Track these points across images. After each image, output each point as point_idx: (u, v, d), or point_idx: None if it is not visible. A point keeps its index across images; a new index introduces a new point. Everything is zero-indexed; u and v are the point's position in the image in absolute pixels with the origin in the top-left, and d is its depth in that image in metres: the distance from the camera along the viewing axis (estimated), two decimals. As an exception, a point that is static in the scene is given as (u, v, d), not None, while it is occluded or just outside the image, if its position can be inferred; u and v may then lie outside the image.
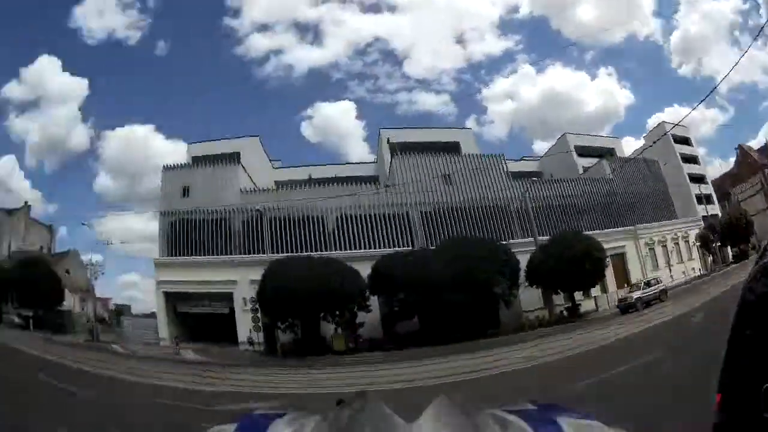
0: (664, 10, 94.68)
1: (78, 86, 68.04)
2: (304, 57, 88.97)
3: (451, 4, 74.60)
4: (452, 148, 37.50)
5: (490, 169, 34.76)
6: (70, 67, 76.59)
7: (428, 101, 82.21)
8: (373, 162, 45.25)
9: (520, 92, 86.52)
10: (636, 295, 24.04)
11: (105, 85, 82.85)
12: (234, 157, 34.41)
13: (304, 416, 0.78)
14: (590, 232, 29.62)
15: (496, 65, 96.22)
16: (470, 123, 69.65)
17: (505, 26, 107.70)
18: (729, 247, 45.40)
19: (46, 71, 57.41)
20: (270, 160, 41.98)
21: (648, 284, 25.54)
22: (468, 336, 20.03)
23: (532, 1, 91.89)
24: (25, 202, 40.93)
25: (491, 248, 24.53)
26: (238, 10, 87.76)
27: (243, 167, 34.27)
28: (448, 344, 18.44)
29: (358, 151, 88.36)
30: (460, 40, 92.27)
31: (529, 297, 26.68)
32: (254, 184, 34.45)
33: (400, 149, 34.14)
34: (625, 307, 23.54)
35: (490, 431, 0.67)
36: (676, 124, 46.89)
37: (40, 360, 15.89)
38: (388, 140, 36.74)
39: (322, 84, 79.63)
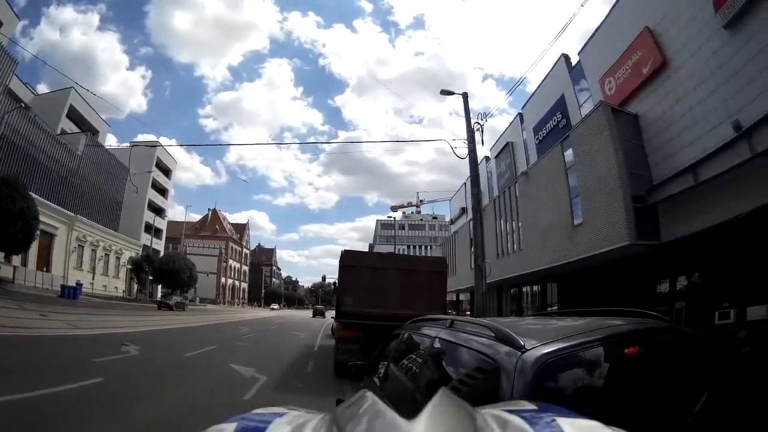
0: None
1: None
2: None
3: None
4: None
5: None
6: None
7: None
8: None
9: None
10: (173, 300, 35.26)
11: None
12: None
13: (304, 416, 0.79)
14: (37, 196, 25.35)
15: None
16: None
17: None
18: (160, 286, 45.04)
19: None
20: None
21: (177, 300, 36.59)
22: None
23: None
24: None
25: None
26: None
27: None
28: None
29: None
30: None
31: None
32: None
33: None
34: (162, 305, 33.05)
35: (489, 431, 0.67)
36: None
37: None
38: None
39: None
